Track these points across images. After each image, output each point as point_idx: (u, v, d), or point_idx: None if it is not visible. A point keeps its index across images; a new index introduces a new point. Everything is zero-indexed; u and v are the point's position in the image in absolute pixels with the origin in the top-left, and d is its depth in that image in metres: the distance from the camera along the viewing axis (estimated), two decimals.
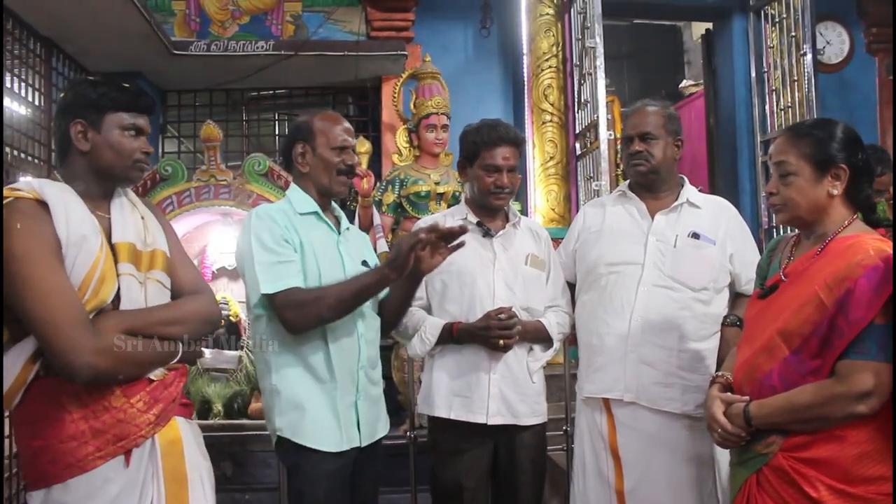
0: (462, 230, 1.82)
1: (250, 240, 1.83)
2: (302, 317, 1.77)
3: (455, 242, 1.83)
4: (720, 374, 1.75)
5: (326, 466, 1.80)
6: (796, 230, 1.72)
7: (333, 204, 2.06)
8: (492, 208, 2.19)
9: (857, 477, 1.45)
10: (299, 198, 1.96)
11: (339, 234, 1.98)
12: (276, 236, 1.82)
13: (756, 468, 1.57)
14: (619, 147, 5.97)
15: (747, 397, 1.60)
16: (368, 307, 1.94)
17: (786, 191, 1.61)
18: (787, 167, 1.60)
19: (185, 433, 1.60)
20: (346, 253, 1.95)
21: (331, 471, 1.80)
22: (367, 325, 1.93)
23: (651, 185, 2.16)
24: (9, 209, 1.43)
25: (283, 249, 1.82)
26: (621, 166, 5.88)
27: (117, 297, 1.51)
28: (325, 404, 1.82)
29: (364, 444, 1.88)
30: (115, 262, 1.52)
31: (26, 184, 1.48)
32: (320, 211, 1.95)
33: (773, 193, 1.64)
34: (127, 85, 1.61)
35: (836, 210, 1.60)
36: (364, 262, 2.00)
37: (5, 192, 1.45)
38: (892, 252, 1.47)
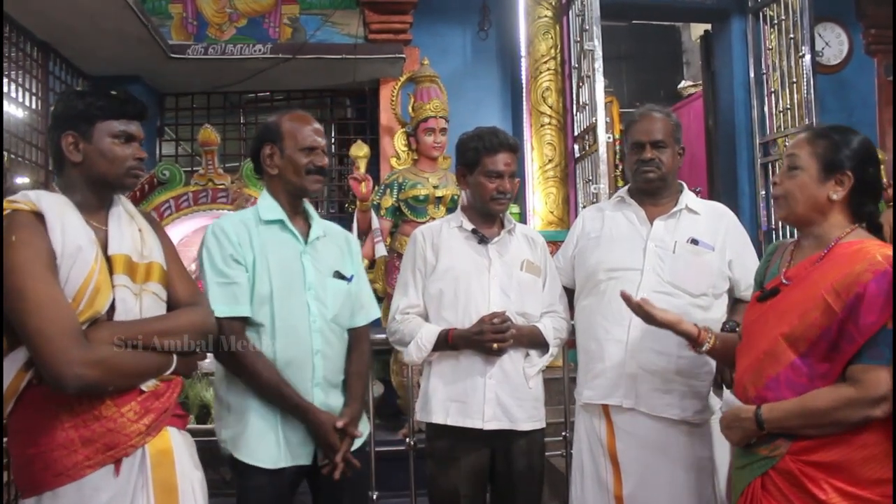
0: None
1: (202, 255, 1.83)
2: (231, 361, 1.79)
3: None
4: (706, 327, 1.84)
5: (259, 481, 1.77)
6: (795, 237, 1.73)
7: (310, 210, 1.98)
8: (492, 214, 2.19)
9: (865, 479, 1.45)
10: (266, 204, 1.91)
11: (307, 244, 1.91)
12: (226, 255, 1.80)
13: (761, 471, 1.55)
14: (617, 149, 5.98)
15: (753, 407, 1.58)
16: (330, 321, 1.88)
17: (788, 182, 1.62)
18: (796, 160, 1.62)
19: (177, 444, 1.59)
20: (312, 265, 1.88)
21: (262, 485, 1.78)
22: (325, 340, 1.86)
23: (655, 192, 2.15)
24: (6, 221, 1.44)
25: (231, 270, 1.80)
26: (620, 167, 5.88)
27: (112, 309, 1.51)
28: (268, 419, 1.79)
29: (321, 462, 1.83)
30: (111, 273, 1.52)
31: (24, 196, 1.49)
32: (286, 219, 1.89)
33: (776, 184, 1.66)
34: (115, 92, 1.60)
35: (834, 215, 1.59)
36: (337, 273, 1.93)
37: (4, 205, 1.46)
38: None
